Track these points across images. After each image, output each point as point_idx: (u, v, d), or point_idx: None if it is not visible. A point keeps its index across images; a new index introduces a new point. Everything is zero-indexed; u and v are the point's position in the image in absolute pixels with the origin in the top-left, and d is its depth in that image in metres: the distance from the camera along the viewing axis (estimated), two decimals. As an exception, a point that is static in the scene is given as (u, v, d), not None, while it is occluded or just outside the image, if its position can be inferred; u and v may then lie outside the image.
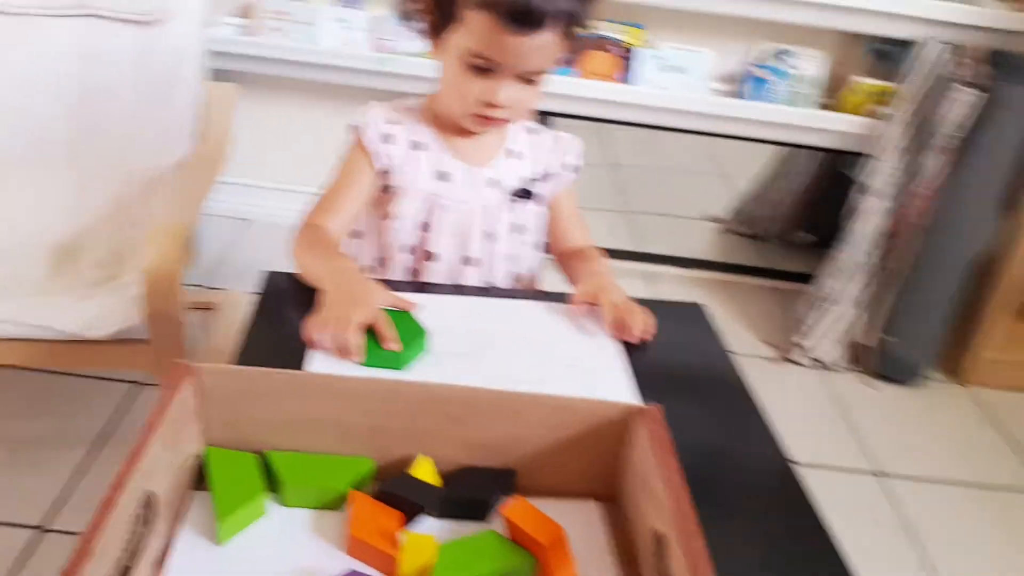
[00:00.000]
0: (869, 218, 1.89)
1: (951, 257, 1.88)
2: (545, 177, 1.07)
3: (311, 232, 0.98)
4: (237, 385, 0.64)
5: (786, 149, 2.44)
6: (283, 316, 0.90)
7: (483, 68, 0.92)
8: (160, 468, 0.57)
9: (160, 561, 0.59)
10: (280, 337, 0.86)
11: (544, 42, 0.90)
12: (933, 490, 1.67)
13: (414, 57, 1.95)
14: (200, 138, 1.60)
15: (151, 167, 1.56)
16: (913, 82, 1.83)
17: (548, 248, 1.12)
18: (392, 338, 0.81)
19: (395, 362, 0.81)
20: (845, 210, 1.93)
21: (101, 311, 1.26)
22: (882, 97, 1.93)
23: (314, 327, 0.82)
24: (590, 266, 1.03)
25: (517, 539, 0.62)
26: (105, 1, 1.54)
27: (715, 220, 2.66)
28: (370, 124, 1.01)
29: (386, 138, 1.01)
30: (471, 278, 1.05)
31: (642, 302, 0.95)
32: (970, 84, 1.76)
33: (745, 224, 2.59)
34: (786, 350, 2.01)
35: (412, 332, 0.84)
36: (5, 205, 1.53)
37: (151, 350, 1.28)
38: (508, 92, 0.93)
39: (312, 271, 0.92)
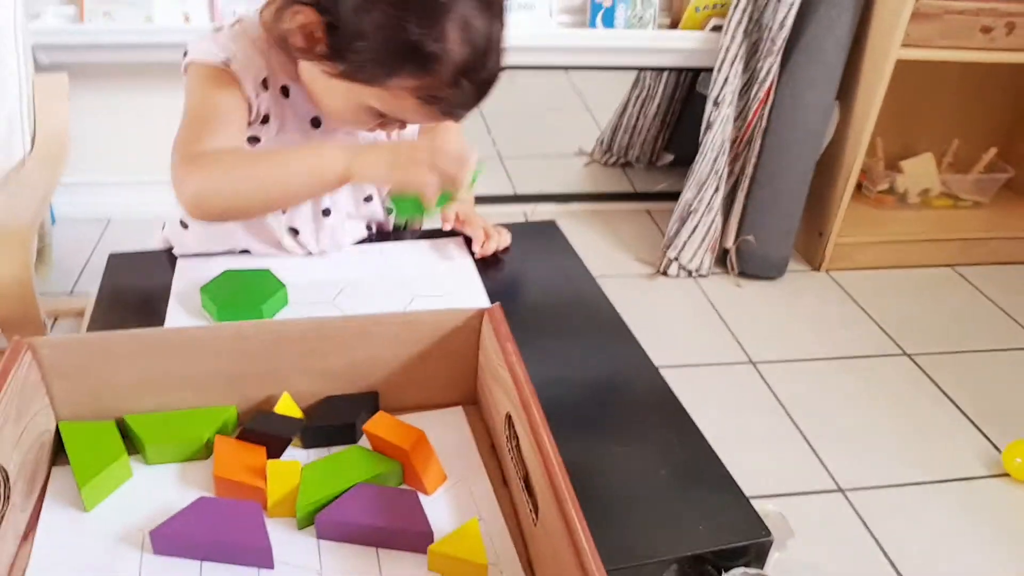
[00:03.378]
0: (718, 128, 1.99)
1: (794, 154, 2.00)
2: None
3: (211, 154, 0.76)
4: (79, 353, 0.63)
5: (642, 75, 2.51)
6: (129, 293, 0.89)
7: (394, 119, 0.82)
8: (6, 443, 0.57)
9: (26, 536, 0.59)
10: (129, 313, 0.85)
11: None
12: (802, 368, 1.80)
13: (252, 26, 1.91)
14: (36, 136, 1.52)
15: (-15, 171, 1.47)
16: (740, -8, 1.92)
17: None
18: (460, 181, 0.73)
19: (257, 315, 0.81)
20: (702, 124, 2.02)
21: (-51, 326, 1.20)
22: (720, 11, 2.01)
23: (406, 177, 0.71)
24: None
25: (381, 449, 0.65)
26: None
27: (583, 153, 2.72)
28: (244, 63, 0.82)
29: (263, 83, 0.84)
30: (373, 212, 1.02)
31: (504, 225, 1.00)
32: (790, -13, 1.86)
33: (610, 153, 2.67)
34: (660, 265, 2.10)
35: (272, 286, 0.85)
36: None
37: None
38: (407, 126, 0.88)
39: (268, 176, 0.76)
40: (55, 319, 1.80)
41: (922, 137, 2.32)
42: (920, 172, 2.29)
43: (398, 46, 0.72)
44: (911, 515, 1.45)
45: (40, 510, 0.61)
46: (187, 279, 0.90)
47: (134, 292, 0.89)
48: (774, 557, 0.62)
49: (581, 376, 0.79)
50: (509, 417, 0.62)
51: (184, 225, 0.98)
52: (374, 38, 0.72)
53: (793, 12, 1.86)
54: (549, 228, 1.09)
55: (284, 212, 0.94)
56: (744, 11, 1.92)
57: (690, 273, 2.10)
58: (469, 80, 0.75)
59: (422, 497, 0.62)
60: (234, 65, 0.81)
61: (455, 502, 0.62)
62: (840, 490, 1.49)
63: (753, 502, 0.65)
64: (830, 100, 1.99)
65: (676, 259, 2.08)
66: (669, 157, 2.63)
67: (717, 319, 1.96)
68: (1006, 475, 1.53)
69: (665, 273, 2.10)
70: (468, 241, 0.99)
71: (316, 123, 0.90)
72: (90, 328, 0.83)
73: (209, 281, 0.86)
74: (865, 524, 1.42)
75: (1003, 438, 1.61)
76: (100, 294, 0.88)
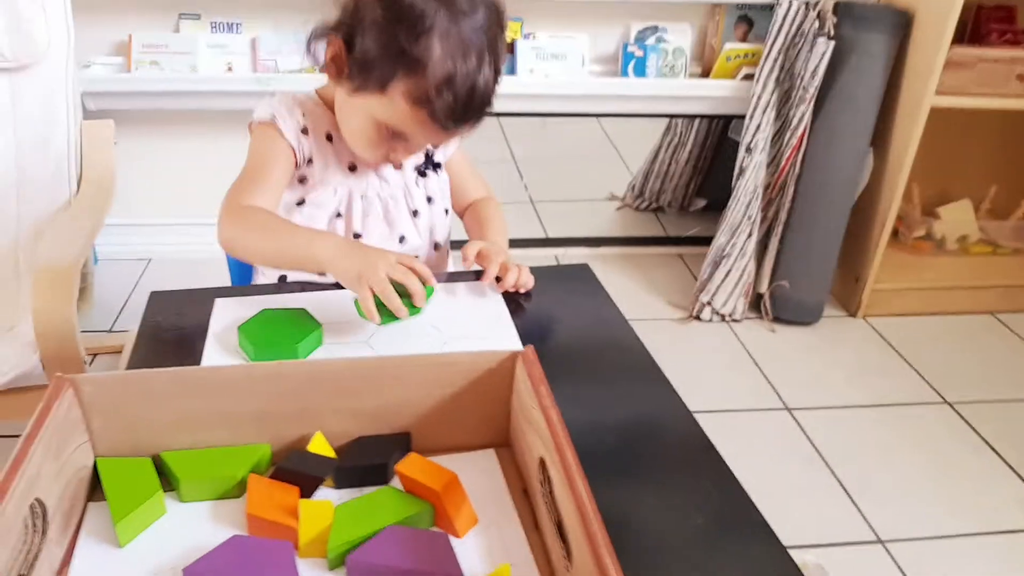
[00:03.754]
0: (751, 174, 1.99)
1: (828, 199, 1.99)
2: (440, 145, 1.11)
3: (249, 212, 0.92)
4: (118, 391, 0.64)
5: (674, 122, 2.54)
6: (168, 333, 0.90)
7: (396, 133, 0.93)
8: (46, 477, 0.58)
9: (60, 570, 0.59)
10: (168, 352, 0.87)
11: (464, 130, 0.92)
12: (839, 415, 1.77)
13: (296, 74, 1.96)
14: (83, 179, 1.57)
15: (35, 214, 1.52)
16: (775, 40, 1.94)
17: (453, 207, 1.17)
18: (415, 291, 0.83)
19: (292, 354, 0.83)
20: (735, 169, 2.03)
21: (-6, 362, 1.23)
22: (751, 59, 2.03)
23: (354, 288, 0.83)
24: (484, 228, 1.10)
25: (413, 491, 0.65)
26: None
27: (614, 198, 2.74)
28: (287, 118, 0.99)
29: (304, 131, 1.01)
30: (405, 252, 1.07)
31: (534, 268, 1.01)
32: (822, 35, 1.88)
33: (642, 198, 2.68)
34: (693, 309, 2.09)
35: (308, 326, 0.86)
36: None
37: (53, 395, 1.26)
38: (416, 149, 0.99)
39: (282, 251, 0.90)
40: (94, 356, 1.83)
41: (959, 183, 2.30)
42: (958, 218, 2.26)
43: (391, 53, 0.86)
44: (953, 567, 1.40)
45: (75, 545, 0.61)
46: (225, 317, 0.91)
47: (173, 330, 0.91)
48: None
49: (615, 420, 0.78)
50: (542, 461, 0.62)
51: None
52: (375, 50, 0.87)
53: (825, 61, 1.87)
54: (582, 271, 1.09)
55: None
56: (775, 60, 1.93)
57: (723, 318, 2.08)
58: (453, 84, 0.86)
59: (453, 540, 0.62)
60: (278, 120, 0.99)
61: (486, 546, 0.62)
62: (880, 541, 1.45)
63: (791, 552, 0.63)
64: (864, 147, 1.98)
65: (709, 303, 2.07)
66: (701, 202, 2.64)
67: (751, 364, 1.93)
68: (1054, 530, 1.48)
69: (698, 318, 2.08)
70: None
71: (352, 168, 1.04)
72: (130, 364, 0.85)
73: (247, 320, 0.87)
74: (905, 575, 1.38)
75: (1050, 491, 1.56)
76: (141, 331, 0.90)
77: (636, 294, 2.21)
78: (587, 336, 0.93)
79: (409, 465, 0.65)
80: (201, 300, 0.96)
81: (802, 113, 1.95)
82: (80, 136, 1.58)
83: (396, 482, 0.67)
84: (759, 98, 1.97)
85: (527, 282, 0.98)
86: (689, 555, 0.62)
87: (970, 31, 2.03)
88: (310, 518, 0.61)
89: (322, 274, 0.91)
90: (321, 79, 1.02)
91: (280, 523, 0.61)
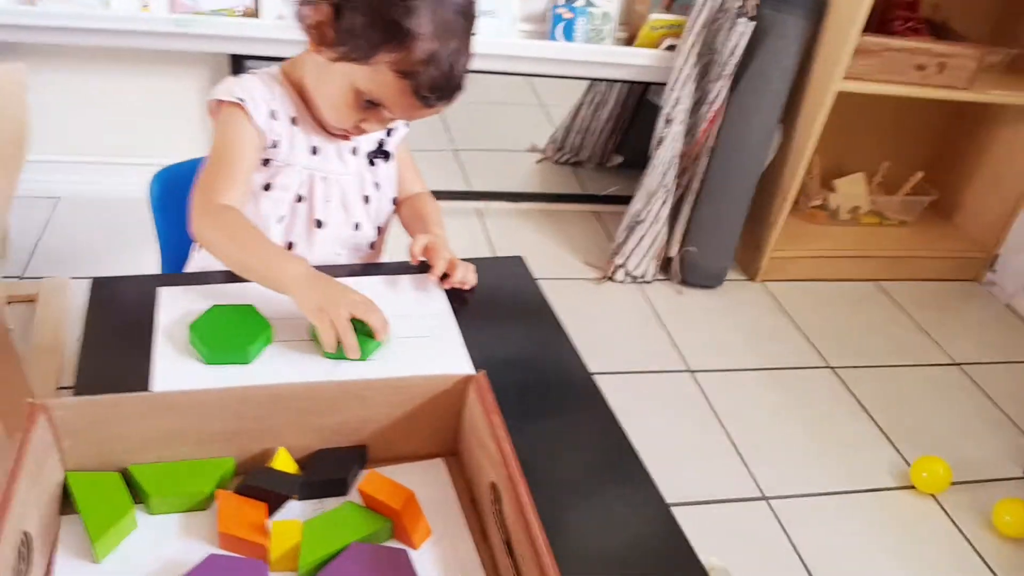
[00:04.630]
0: (668, 144, 2.07)
1: (738, 172, 2.11)
2: (389, 132, 1.13)
3: (224, 215, 0.95)
4: (89, 415, 0.67)
5: (597, 82, 2.58)
6: (116, 325, 0.91)
7: (372, 104, 0.95)
8: (29, 507, 0.61)
9: (42, 588, 0.63)
10: (118, 347, 0.88)
11: (441, 107, 0.95)
12: (735, 378, 1.93)
13: (216, 16, 1.89)
14: (-10, 127, 1.49)
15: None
16: (699, 15, 1.99)
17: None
18: (377, 327, 0.88)
19: (243, 357, 0.86)
20: (652, 138, 2.10)
21: (-89, 331, 1.19)
22: (675, 31, 2.08)
23: (314, 319, 0.87)
24: (426, 222, 1.13)
25: (373, 507, 0.71)
26: None
27: (535, 150, 2.78)
28: (257, 101, 1.00)
29: (272, 114, 1.01)
30: (358, 240, 1.13)
31: (471, 260, 1.07)
32: (744, 15, 1.95)
33: (562, 152, 2.73)
34: (608, 271, 2.19)
35: (258, 326, 0.89)
36: None
37: (-25, 362, 1.24)
38: (386, 122, 1.01)
39: (250, 265, 0.93)
40: (7, 303, 1.78)
41: (855, 158, 2.46)
42: (851, 191, 2.43)
43: (381, 23, 0.89)
44: (827, 523, 1.59)
45: (52, 561, 0.65)
46: (172, 310, 0.93)
47: (121, 323, 0.92)
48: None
49: (549, 431, 0.86)
50: (493, 485, 0.69)
51: None
52: (364, 19, 0.89)
53: (744, 41, 1.95)
54: (516, 265, 1.14)
55: (280, 222, 1.07)
56: (698, 35, 2.00)
57: (635, 279, 2.20)
58: (438, 59, 0.90)
59: (410, 551, 0.69)
60: (248, 104, 0.99)
61: (441, 558, 0.69)
62: (764, 498, 1.62)
63: (699, 555, 0.74)
64: (774, 123, 2.09)
65: (623, 266, 2.18)
66: (619, 159, 2.72)
67: (659, 326, 2.06)
68: (912, 487, 1.69)
69: (611, 279, 2.19)
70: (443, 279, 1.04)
71: (315, 151, 1.06)
72: (80, 362, 0.86)
73: (197, 318, 0.89)
74: (785, 531, 1.56)
75: (913, 452, 1.77)
76: (88, 321, 0.91)
77: (554, 252, 2.29)
78: (522, 340, 1.00)
79: (370, 483, 0.71)
80: (144, 289, 0.97)
81: (719, 88, 2.04)
82: (-12, 82, 1.49)
83: (355, 495, 0.73)
84: (680, 71, 2.04)
85: (471, 280, 1.04)
86: (616, 568, 0.72)
87: (878, 17, 2.14)
88: (280, 536, 0.67)
89: None
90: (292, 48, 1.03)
91: (251, 541, 0.66)
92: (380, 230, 1.17)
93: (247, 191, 1.02)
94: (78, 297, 1.78)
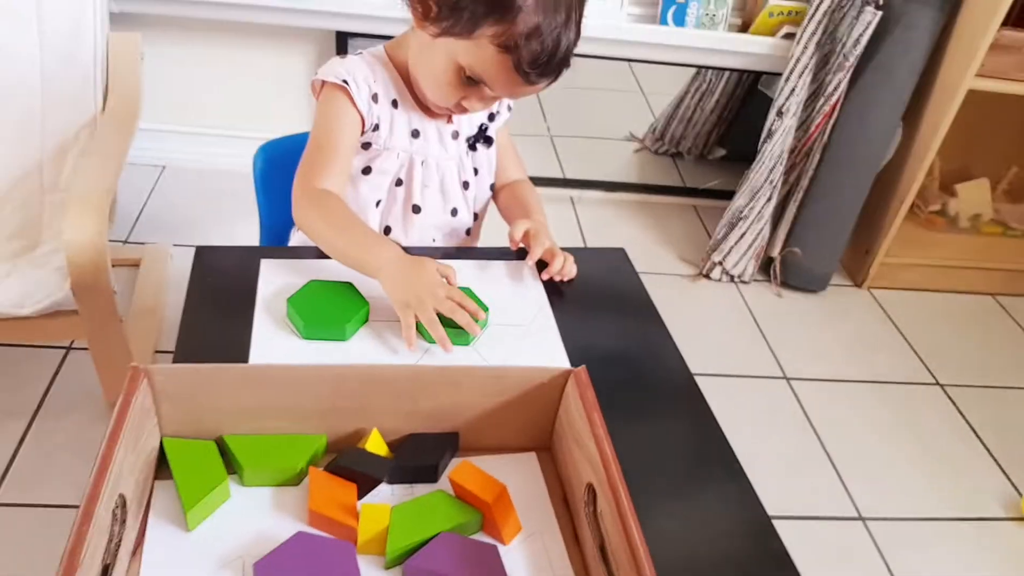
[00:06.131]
0: (779, 139, 1.98)
1: (852, 171, 1.99)
2: (492, 118, 1.11)
3: (323, 200, 0.95)
4: (189, 382, 0.67)
5: (705, 70, 2.49)
6: (217, 294, 0.92)
7: (474, 81, 0.93)
8: (127, 469, 0.61)
9: (135, 551, 0.63)
10: (218, 316, 0.89)
11: (544, 84, 0.93)
12: (835, 388, 1.83)
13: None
14: (109, 93, 1.54)
15: (60, 131, 1.50)
16: (821, 2, 1.89)
17: None
18: (465, 325, 0.85)
19: (340, 334, 0.85)
20: (762, 131, 2.01)
21: (25, 287, 1.24)
22: (794, 18, 1.98)
23: (400, 312, 0.86)
24: (527, 209, 1.10)
25: (463, 497, 0.68)
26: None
27: (633, 139, 2.71)
28: (360, 84, 0.99)
29: (374, 98, 1.01)
30: (455, 226, 1.11)
31: (571, 250, 1.02)
32: (871, 3, 1.83)
33: (661, 142, 2.65)
34: (703, 268, 2.12)
35: (355, 305, 0.88)
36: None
37: (81, 321, 1.28)
38: (488, 101, 0.98)
39: (345, 250, 0.93)
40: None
41: (980, 161, 2.30)
42: (974, 197, 2.27)
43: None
44: (926, 549, 1.49)
45: (145, 525, 0.65)
46: (272, 282, 0.93)
47: (223, 291, 0.92)
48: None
49: (648, 431, 0.82)
50: (590, 486, 0.65)
51: None
52: None
53: (870, 31, 1.84)
54: (617, 256, 1.10)
55: (378, 206, 1.06)
56: (819, 23, 1.89)
57: (732, 278, 2.11)
58: (541, 34, 0.86)
59: (499, 547, 0.66)
60: (351, 86, 0.98)
61: (531, 557, 0.66)
62: (860, 518, 1.53)
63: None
64: (896, 121, 1.97)
65: (720, 263, 2.10)
66: (721, 152, 2.62)
67: (755, 329, 1.98)
68: (1023, 520, 1.56)
69: (708, 276, 2.11)
70: (540, 266, 1.01)
71: (416, 134, 1.05)
72: (182, 328, 0.87)
73: (295, 292, 0.89)
74: (881, 554, 1.47)
75: (1026, 481, 1.64)
76: (190, 291, 0.92)
77: (649, 245, 2.23)
78: (622, 332, 0.96)
79: (461, 473, 0.69)
80: (247, 259, 0.97)
81: (839, 80, 1.92)
82: (107, 49, 1.54)
83: (446, 484, 0.71)
84: (798, 60, 1.93)
85: (570, 271, 1.00)
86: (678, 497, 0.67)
87: (1018, 11, 1.98)
88: (369, 520, 0.65)
89: None
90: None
91: (341, 522, 0.65)
92: (477, 216, 1.15)
93: (347, 175, 1.01)
94: (179, 264, 1.83)
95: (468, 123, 1.09)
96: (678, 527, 0.72)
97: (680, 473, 0.78)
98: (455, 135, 1.08)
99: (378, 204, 1.07)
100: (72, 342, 1.64)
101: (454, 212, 1.10)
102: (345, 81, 0.98)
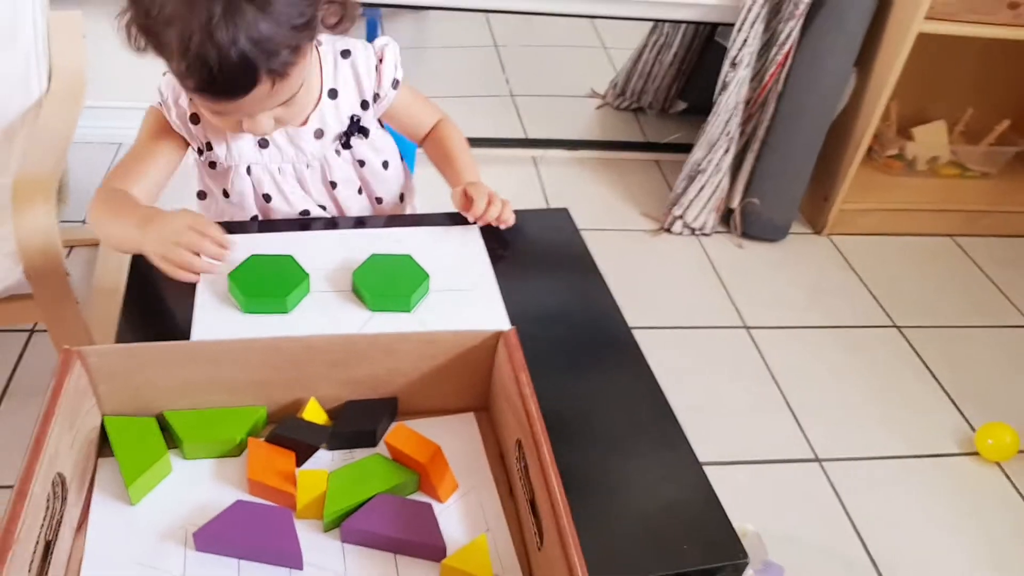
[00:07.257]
0: (733, 89, 1.98)
1: (807, 119, 2.00)
2: (375, 99, 1.05)
3: (108, 193, 0.96)
4: (124, 362, 0.69)
5: (661, 24, 2.47)
6: (160, 274, 0.92)
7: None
8: (63, 448, 0.63)
9: (79, 527, 0.65)
10: (162, 294, 0.90)
11: (258, 94, 0.83)
12: (794, 335, 1.87)
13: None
14: (53, 73, 1.52)
15: (5, 114, 1.49)
16: (768, -51, 1.88)
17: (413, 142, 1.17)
18: (212, 254, 0.86)
19: (281, 306, 0.87)
20: (718, 82, 2.01)
21: (-23, 272, 1.24)
22: (742, -35, 1.97)
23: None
24: (450, 158, 1.09)
25: (400, 460, 0.71)
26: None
27: (595, 95, 2.71)
28: (171, 105, 0.99)
29: (192, 118, 0.99)
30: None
31: (517, 213, 1.03)
32: (818, -51, 1.83)
33: (623, 97, 2.65)
34: (665, 222, 2.14)
35: (296, 276, 0.89)
36: None
37: (37, 304, 1.29)
38: (266, 120, 0.90)
39: (114, 232, 0.93)
40: (70, 249, 1.84)
41: (936, 104, 2.31)
42: (931, 140, 2.29)
43: (144, 31, 0.84)
44: (883, 488, 1.54)
45: (90, 501, 0.67)
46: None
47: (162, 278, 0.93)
48: (748, 574, 0.69)
49: (585, 388, 0.84)
50: (519, 442, 0.68)
51: (201, 196, 1.10)
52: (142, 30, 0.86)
53: (819, -23, 1.83)
54: (561, 217, 1.11)
55: (307, 191, 1.05)
56: (770, -29, 1.88)
57: (693, 231, 2.14)
58: (188, 47, 0.78)
59: (436, 504, 0.69)
60: (164, 108, 1.01)
61: (466, 512, 0.69)
62: (817, 459, 1.58)
63: (732, 521, 0.71)
64: (848, 67, 1.97)
65: (681, 217, 2.11)
66: (682, 105, 2.62)
67: (716, 280, 2.01)
68: (977, 455, 1.62)
69: (669, 230, 2.13)
70: (482, 231, 1.02)
71: (264, 143, 1.02)
72: (124, 305, 0.88)
73: (236, 267, 0.90)
74: (838, 495, 1.52)
75: (979, 418, 1.69)
76: (132, 269, 0.93)
77: (611, 202, 2.24)
78: (561, 287, 0.98)
79: (396, 436, 0.71)
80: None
81: (790, 29, 1.92)
82: (47, 29, 1.51)
83: (383, 448, 0.73)
84: (749, 10, 1.93)
85: (508, 218, 1.00)
86: (646, 524, 0.70)
87: (968, -49, 1.98)
88: (307, 486, 0.67)
89: None
90: None
91: (280, 489, 0.67)
92: (403, 197, 1.15)
93: (152, 189, 1.00)
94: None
95: (335, 119, 1.02)
96: (611, 479, 0.74)
97: (614, 426, 0.80)
98: (319, 134, 1.02)
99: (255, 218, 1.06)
100: (35, 325, 1.64)
101: (322, 208, 1.07)
102: (160, 102, 1.00)
